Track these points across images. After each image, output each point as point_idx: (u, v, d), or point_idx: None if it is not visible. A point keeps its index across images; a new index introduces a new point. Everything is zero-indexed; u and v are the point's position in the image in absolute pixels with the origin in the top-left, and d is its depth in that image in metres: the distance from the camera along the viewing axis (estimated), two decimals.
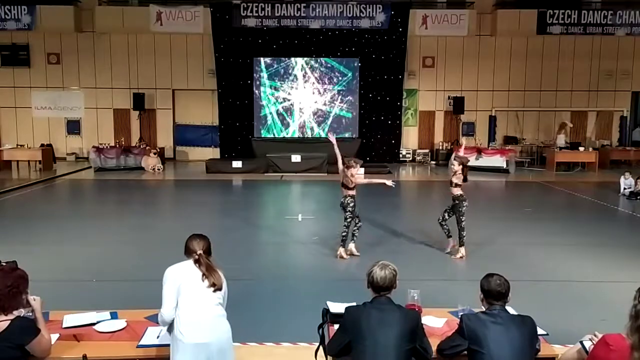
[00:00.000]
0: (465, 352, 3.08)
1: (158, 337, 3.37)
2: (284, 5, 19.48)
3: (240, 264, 7.66)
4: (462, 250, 7.79)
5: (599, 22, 19.33)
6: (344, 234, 7.67)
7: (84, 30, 20.10)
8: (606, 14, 19.32)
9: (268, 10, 19.43)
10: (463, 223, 7.72)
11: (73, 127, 20.90)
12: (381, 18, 19.51)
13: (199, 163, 19.31)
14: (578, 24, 19.39)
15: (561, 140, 19.16)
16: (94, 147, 18.30)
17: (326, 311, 3.78)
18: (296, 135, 20.33)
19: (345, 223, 7.59)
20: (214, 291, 3.36)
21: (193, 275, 3.35)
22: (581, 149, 18.65)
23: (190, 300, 3.27)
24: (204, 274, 3.36)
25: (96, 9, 19.65)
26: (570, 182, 15.93)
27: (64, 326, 3.54)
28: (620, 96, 20.95)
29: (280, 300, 6.19)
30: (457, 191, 7.72)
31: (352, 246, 7.83)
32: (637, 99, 21.53)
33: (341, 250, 7.74)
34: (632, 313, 2.67)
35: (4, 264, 3.60)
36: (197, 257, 3.43)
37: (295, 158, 17.47)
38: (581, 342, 3.13)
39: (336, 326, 3.36)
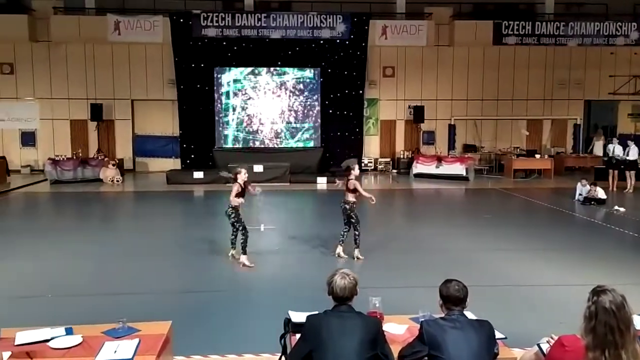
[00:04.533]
0: (426, 357, 3.10)
1: (115, 351, 3.29)
2: (244, 15, 19.46)
3: (201, 276, 7.58)
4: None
5: (552, 33, 19.98)
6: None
7: (39, 39, 19.62)
8: (558, 25, 19.99)
9: (228, 20, 19.38)
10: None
11: (28, 138, 20.31)
12: (341, 28, 19.69)
13: (159, 174, 19.01)
14: (532, 35, 20.00)
15: (599, 147, 19.59)
16: (49, 159, 17.80)
17: (288, 321, 3.76)
18: (258, 145, 20.25)
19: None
20: None
21: None
22: (537, 156, 19.18)
23: None
24: None
25: (52, 18, 19.22)
26: (528, 188, 16.33)
27: (16, 343, 3.41)
28: (574, 105, 21.65)
29: (242, 311, 6.13)
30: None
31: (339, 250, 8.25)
32: (590, 108, 22.29)
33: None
34: (586, 314, 2.73)
35: None
36: None
37: (258, 168, 17.36)
38: (538, 345, 3.19)
39: (298, 336, 3.34)
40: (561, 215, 12.30)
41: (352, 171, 8.00)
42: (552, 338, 3.08)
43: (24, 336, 3.50)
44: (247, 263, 7.80)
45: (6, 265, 7.97)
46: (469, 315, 3.36)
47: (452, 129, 21.25)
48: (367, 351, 3.03)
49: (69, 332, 3.60)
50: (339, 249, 8.22)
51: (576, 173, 19.22)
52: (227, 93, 20.13)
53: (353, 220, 8.06)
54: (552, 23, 20.11)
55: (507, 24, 19.94)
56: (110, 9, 19.46)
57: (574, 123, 21.65)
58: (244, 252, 7.84)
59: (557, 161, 19.42)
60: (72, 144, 20.14)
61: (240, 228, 7.88)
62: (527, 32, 19.98)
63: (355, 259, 8.10)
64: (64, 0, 19.84)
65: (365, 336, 3.05)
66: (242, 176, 7.86)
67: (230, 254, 8.15)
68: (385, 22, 20.02)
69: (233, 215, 7.81)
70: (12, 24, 18.90)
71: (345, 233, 8.20)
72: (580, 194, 13.71)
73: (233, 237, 8.12)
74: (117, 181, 17.66)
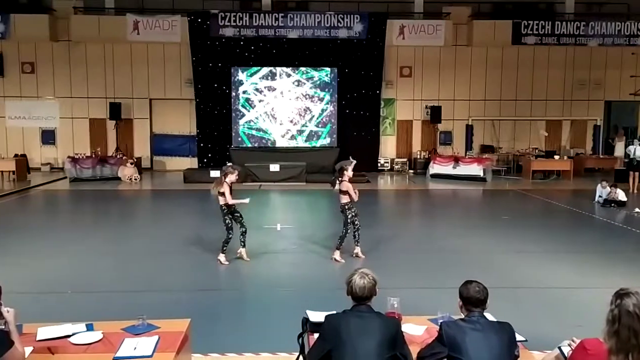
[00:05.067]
0: (446, 359, 3.08)
1: (135, 348, 3.31)
2: (261, 15, 19.52)
3: (217, 274, 7.63)
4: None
5: (572, 32, 19.74)
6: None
7: (59, 39, 19.87)
8: (579, 25, 19.74)
9: (246, 20, 19.45)
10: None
11: (48, 137, 20.59)
12: (359, 28, 19.66)
13: (176, 173, 19.16)
14: (552, 35, 19.78)
15: (620, 147, 19.25)
16: (69, 157, 18.01)
17: (306, 320, 3.76)
18: (274, 144, 20.31)
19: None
20: None
21: None
22: (556, 157, 18.98)
23: None
24: None
25: (72, 17, 19.46)
26: (546, 190, 16.16)
27: (38, 339, 3.45)
28: (594, 105, 21.38)
29: (259, 310, 6.14)
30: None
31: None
32: (610, 109, 21.99)
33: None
34: (609, 317, 2.70)
35: None
36: None
37: (274, 167, 17.42)
38: (559, 348, 3.15)
39: (316, 335, 3.34)
40: (580, 217, 12.16)
41: (345, 172, 7.89)
42: (573, 341, 3.05)
43: (45, 332, 3.54)
44: (223, 261, 7.89)
45: (27, 261, 8.07)
46: (489, 317, 3.34)
47: (469, 129, 21.11)
48: (386, 351, 3.02)
49: (89, 328, 3.64)
50: (357, 249, 8.19)
51: (596, 174, 18.97)
52: (244, 92, 20.21)
53: (344, 220, 8.02)
54: (572, 23, 19.87)
55: (526, 24, 19.75)
56: (129, 8, 19.66)
57: (594, 124, 21.38)
58: (223, 251, 7.93)
59: (576, 162, 19.19)
60: (91, 142, 20.39)
61: (225, 228, 7.93)
62: (546, 32, 19.77)
63: (333, 259, 8.02)
64: (83, 1, 20.07)
65: (384, 336, 3.04)
66: (232, 177, 7.94)
67: (238, 252, 8.14)
68: (402, 21, 19.94)
69: (226, 214, 7.91)
70: (33, 23, 19.16)
71: (355, 233, 8.09)
72: (600, 196, 13.53)
73: (241, 235, 8.07)
74: (135, 179, 17.84)
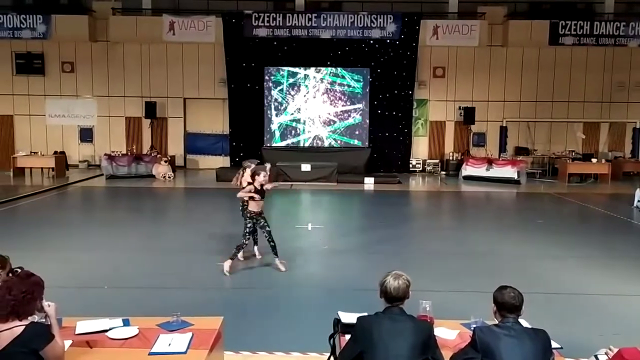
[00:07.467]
0: None
1: (170, 344, 3.38)
2: (295, 15, 19.61)
3: (249, 273, 7.69)
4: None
5: (611, 33, 19.29)
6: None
7: (98, 39, 20.34)
8: (618, 25, 19.28)
9: (279, 20, 19.57)
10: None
11: (86, 134, 21.09)
12: (392, 28, 19.57)
13: (209, 171, 19.40)
14: (590, 35, 19.36)
15: None
16: (105, 154, 18.44)
17: (337, 321, 3.77)
18: (306, 144, 20.38)
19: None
20: None
21: None
22: (594, 160, 18.55)
23: None
24: None
25: (110, 18, 19.89)
26: (583, 193, 15.81)
27: (76, 332, 3.55)
28: (633, 108, 20.81)
29: (290, 309, 6.18)
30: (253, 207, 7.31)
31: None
32: None
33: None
34: None
35: (18, 270, 3.63)
36: None
37: (305, 167, 17.48)
38: (596, 357, 3.10)
39: (347, 336, 3.35)
40: (618, 222, 11.86)
41: (256, 177, 7.36)
42: (610, 350, 2.99)
43: (84, 326, 3.64)
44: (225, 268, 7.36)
45: (66, 256, 8.29)
46: (524, 323, 3.29)
47: (503, 131, 20.79)
48: (419, 355, 3.01)
49: (126, 323, 3.72)
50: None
51: (635, 178, 18.48)
52: (277, 92, 20.33)
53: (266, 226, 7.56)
54: (611, 23, 19.41)
55: (564, 24, 19.38)
56: (165, 9, 20.00)
57: (634, 127, 20.81)
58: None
59: (614, 166, 18.72)
60: (126, 140, 20.81)
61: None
62: (585, 32, 19.35)
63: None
64: (122, 2, 20.50)
65: (416, 340, 3.03)
66: (260, 178, 7.30)
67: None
68: (436, 22, 19.77)
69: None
70: (74, 24, 19.67)
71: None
72: (638, 201, 13.18)
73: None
74: (169, 177, 18.13)
